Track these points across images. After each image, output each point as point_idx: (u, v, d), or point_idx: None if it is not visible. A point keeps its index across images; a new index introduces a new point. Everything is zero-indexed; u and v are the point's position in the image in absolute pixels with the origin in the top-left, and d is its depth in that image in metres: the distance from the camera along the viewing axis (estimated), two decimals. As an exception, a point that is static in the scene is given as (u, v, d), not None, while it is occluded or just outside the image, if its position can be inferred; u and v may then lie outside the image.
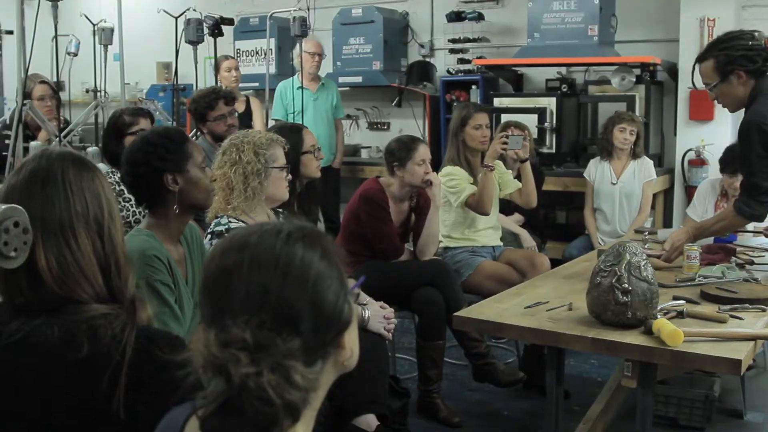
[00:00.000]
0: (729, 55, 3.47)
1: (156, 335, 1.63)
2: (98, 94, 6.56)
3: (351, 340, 1.34)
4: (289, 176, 3.34)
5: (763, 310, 3.02)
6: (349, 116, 8.26)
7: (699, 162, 6.26)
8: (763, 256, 4.05)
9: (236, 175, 3.18)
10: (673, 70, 6.58)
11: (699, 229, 3.71)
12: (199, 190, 2.68)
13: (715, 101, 3.74)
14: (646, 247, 4.05)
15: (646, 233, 4.49)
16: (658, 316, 2.75)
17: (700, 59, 3.62)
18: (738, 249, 4.07)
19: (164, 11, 6.56)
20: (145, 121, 4.18)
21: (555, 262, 4.61)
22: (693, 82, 3.71)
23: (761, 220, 3.47)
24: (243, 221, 3.17)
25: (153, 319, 2.40)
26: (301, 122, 6.29)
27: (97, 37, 6.57)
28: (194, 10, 6.49)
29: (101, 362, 1.52)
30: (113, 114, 4.40)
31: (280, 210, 3.51)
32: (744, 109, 3.57)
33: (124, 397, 1.51)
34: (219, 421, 1.24)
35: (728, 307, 3.01)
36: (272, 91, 6.91)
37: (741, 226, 3.55)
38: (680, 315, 2.88)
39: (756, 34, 3.53)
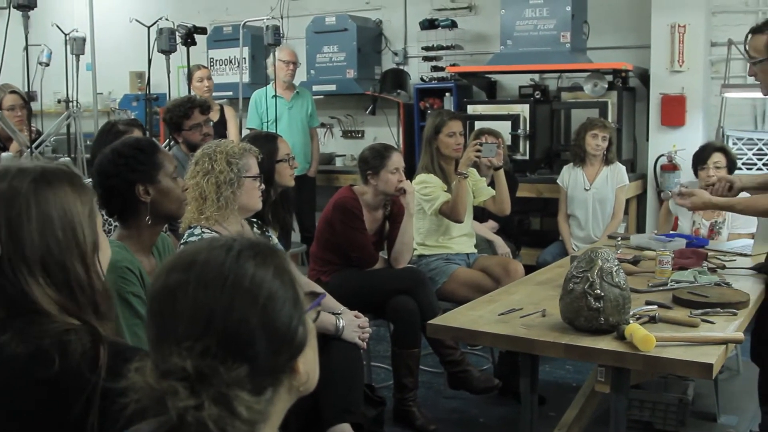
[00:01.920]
0: None
1: (127, 351, 1.60)
2: (70, 104, 6.51)
3: (307, 363, 1.27)
4: (263, 186, 3.34)
5: (734, 314, 3.05)
6: (323, 124, 8.25)
7: (671, 167, 6.30)
8: (735, 260, 4.09)
9: (209, 184, 3.16)
10: (644, 76, 6.63)
11: (726, 204, 3.60)
12: (171, 201, 2.67)
13: (753, 77, 3.55)
14: (618, 252, 4.07)
15: (619, 239, 4.52)
16: (631, 322, 2.77)
17: (755, 30, 3.43)
18: (710, 253, 4.11)
19: (136, 20, 6.53)
20: (138, 132, 4.18)
21: (529, 269, 4.62)
22: (745, 49, 3.50)
23: None
24: (216, 231, 3.16)
25: (124, 331, 2.41)
26: (275, 131, 6.28)
27: (68, 46, 6.51)
28: (167, 19, 6.46)
29: (72, 382, 1.50)
30: (107, 123, 4.40)
31: (254, 220, 3.50)
32: None
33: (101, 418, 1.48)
34: None
35: (700, 311, 3.03)
36: (246, 99, 6.89)
37: (766, 216, 3.43)
38: (652, 320, 2.90)
39: None
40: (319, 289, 3.67)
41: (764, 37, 3.37)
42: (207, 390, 1.13)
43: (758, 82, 3.50)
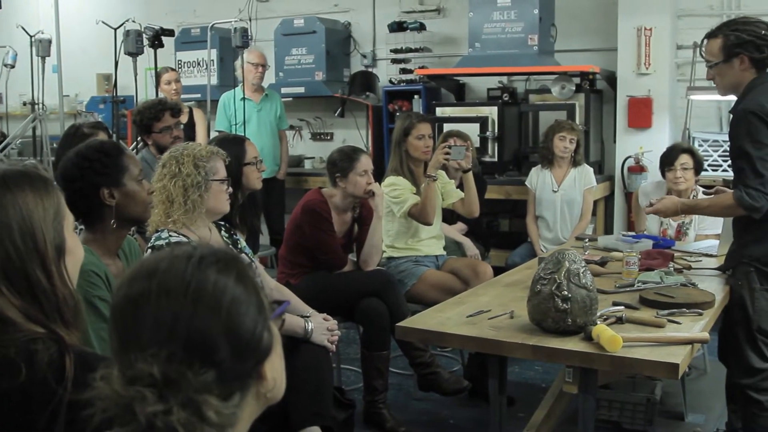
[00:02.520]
0: (739, 37, 3.38)
1: (95, 361, 1.58)
2: (36, 106, 6.46)
3: (274, 369, 1.26)
4: (230, 189, 3.32)
5: (699, 314, 3.08)
6: (292, 127, 8.24)
7: (638, 169, 6.36)
8: (701, 260, 4.13)
9: (176, 187, 3.14)
10: (611, 79, 6.68)
11: (691, 206, 3.68)
12: (136, 204, 2.65)
13: (712, 81, 3.65)
14: (586, 253, 4.10)
15: (587, 240, 4.54)
16: (598, 322, 2.78)
17: (709, 35, 3.51)
18: (676, 254, 4.15)
19: (103, 22, 6.49)
20: (103, 135, 4.15)
21: (498, 270, 4.64)
22: (701, 54, 3.58)
23: (760, 213, 3.30)
24: (184, 235, 3.14)
25: (91, 335, 2.38)
26: (244, 133, 6.26)
27: (34, 48, 6.47)
28: (134, 21, 6.42)
29: (39, 392, 1.48)
30: (71, 127, 4.36)
31: (222, 223, 3.48)
32: (735, 100, 3.50)
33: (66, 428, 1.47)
34: None
35: (666, 312, 3.06)
36: (214, 102, 6.86)
37: (732, 216, 3.47)
38: (619, 321, 2.92)
39: None
40: (287, 292, 3.67)
41: (719, 41, 3.44)
42: (175, 395, 1.12)
43: (717, 84, 3.57)
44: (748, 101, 3.36)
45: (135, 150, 5.05)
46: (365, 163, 4.31)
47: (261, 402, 1.26)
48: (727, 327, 3.54)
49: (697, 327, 2.93)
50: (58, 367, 1.49)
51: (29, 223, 1.61)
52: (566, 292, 2.73)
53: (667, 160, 5.11)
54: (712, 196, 3.67)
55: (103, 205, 2.58)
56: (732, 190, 3.42)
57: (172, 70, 6.96)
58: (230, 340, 1.19)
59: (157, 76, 6.69)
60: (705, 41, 3.54)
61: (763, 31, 3.38)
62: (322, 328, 3.44)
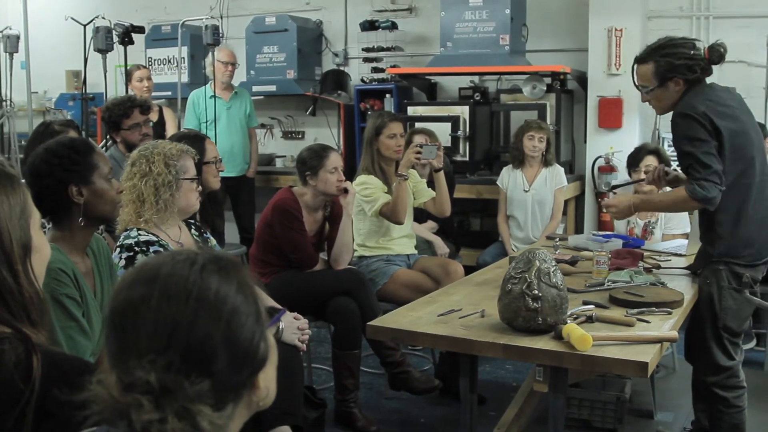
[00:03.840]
0: (670, 62, 3.45)
1: (62, 361, 1.56)
2: (4, 103, 6.39)
3: (267, 378, 1.27)
4: (200, 187, 3.30)
5: (668, 313, 3.10)
6: (263, 125, 8.22)
7: (608, 168, 6.40)
8: (670, 260, 4.16)
9: (147, 187, 3.12)
10: (582, 79, 6.72)
11: (644, 201, 3.71)
12: (105, 202, 2.62)
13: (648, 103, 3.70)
14: (557, 253, 4.11)
15: (557, 240, 4.56)
16: (568, 321, 2.79)
17: (639, 60, 3.58)
18: (645, 254, 4.18)
19: (72, 18, 6.42)
20: (74, 133, 4.11)
21: (469, 269, 4.65)
22: (634, 81, 3.63)
23: (713, 205, 3.33)
24: (154, 234, 3.12)
25: (59, 334, 2.36)
26: (214, 131, 6.23)
27: (2, 44, 6.39)
28: (103, 17, 6.36)
29: (5, 393, 1.46)
30: (41, 124, 4.32)
31: (192, 221, 3.46)
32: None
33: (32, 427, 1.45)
34: None
35: (635, 310, 3.08)
36: (185, 100, 6.81)
37: (686, 210, 3.48)
38: (589, 320, 2.93)
39: (697, 44, 3.52)
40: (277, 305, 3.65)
41: (650, 67, 3.50)
42: (171, 404, 1.12)
43: (654, 106, 3.64)
44: (682, 105, 3.42)
45: (105, 148, 5.01)
46: (335, 160, 4.30)
47: (251, 410, 1.27)
48: (694, 325, 3.57)
49: (667, 326, 2.95)
50: (25, 368, 1.47)
51: (10, 218, 1.59)
52: (537, 291, 2.74)
53: (633, 161, 5.17)
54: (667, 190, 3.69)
55: (71, 202, 2.55)
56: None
57: (144, 67, 6.92)
58: (228, 349, 1.19)
59: (128, 74, 6.64)
60: (635, 66, 3.60)
61: (692, 51, 3.46)
62: (292, 327, 3.43)
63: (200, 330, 1.17)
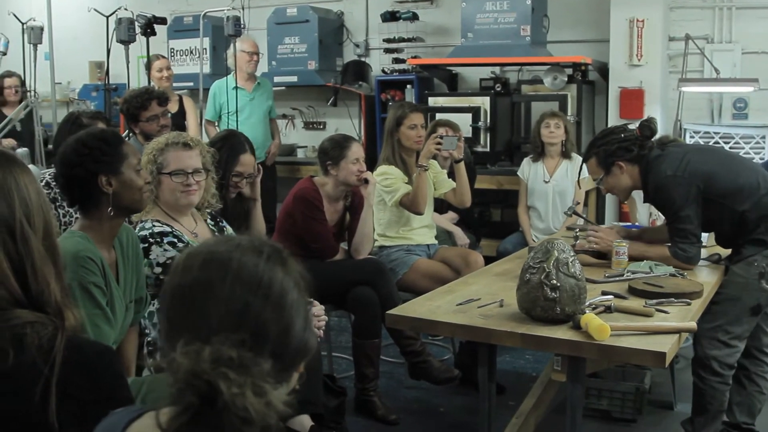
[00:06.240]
0: (606, 150, 3.76)
1: (85, 346, 1.59)
2: (28, 93, 6.44)
3: (301, 368, 1.36)
4: (196, 180, 3.26)
5: (687, 303, 3.10)
6: (284, 116, 8.25)
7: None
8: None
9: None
10: (603, 70, 6.69)
11: (636, 250, 3.78)
12: (133, 193, 2.66)
13: (610, 193, 3.99)
14: (576, 243, 4.11)
15: (578, 230, 4.55)
16: (586, 311, 2.80)
17: (585, 159, 3.94)
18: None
19: (95, 10, 6.47)
20: (102, 125, 4.14)
21: (489, 260, 4.65)
22: (594, 179, 3.91)
23: (695, 261, 3.67)
24: (168, 225, 3.16)
25: (85, 321, 2.39)
26: (236, 122, 6.26)
27: (26, 35, 6.43)
28: (126, 9, 6.40)
29: (27, 374, 1.49)
30: (70, 114, 4.35)
31: (209, 211, 3.48)
32: (643, 188, 3.78)
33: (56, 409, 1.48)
34: None
35: (654, 301, 3.08)
36: (206, 90, 6.84)
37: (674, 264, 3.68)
38: (608, 310, 2.94)
39: (628, 126, 3.88)
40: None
41: (593, 160, 3.83)
42: (246, 380, 1.17)
43: (615, 194, 3.96)
44: (653, 176, 3.67)
45: (127, 137, 5.05)
46: (356, 151, 4.32)
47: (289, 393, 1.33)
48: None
49: (686, 317, 2.95)
50: (47, 351, 1.50)
51: (32, 204, 1.63)
52: (555, 281, 2.75)
53: None
54: (652, 245, 3.84)
55: (101, 192, 2.59)
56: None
57: (163, 57, 6.95)
58: (285, 338, 1.27)
59: (148, 64, 6.67)
60: (583, 165, 4.00)
61: (623, 134, 3.79)
62: (309, 314, 3.44)
63: (266, 316, 1.25)
